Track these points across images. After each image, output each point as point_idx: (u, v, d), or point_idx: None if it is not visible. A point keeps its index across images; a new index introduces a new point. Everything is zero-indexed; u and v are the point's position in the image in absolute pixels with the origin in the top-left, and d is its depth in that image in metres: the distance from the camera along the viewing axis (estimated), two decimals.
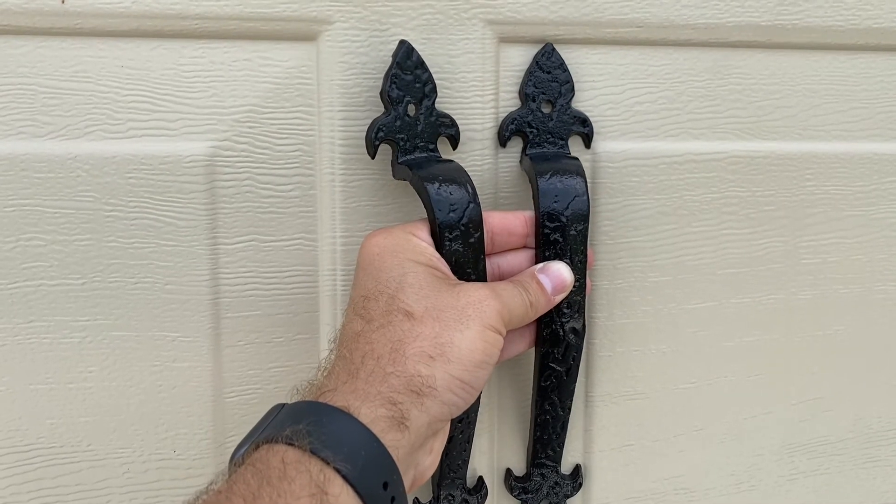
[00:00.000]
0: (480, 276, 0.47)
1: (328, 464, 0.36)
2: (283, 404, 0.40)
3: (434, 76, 0.50)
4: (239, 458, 0.38)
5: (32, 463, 0.52)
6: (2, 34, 0.48)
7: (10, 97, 0.48)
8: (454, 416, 0.42)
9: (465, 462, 0.53)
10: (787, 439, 0.60)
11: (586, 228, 0.50)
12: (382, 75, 0.49)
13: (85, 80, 0.49)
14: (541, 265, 0.48)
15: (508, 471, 0.57)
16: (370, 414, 0.38)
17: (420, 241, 0.45)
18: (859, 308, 0.59)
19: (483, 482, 0.55)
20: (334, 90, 0.51)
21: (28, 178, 0.49)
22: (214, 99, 0.50)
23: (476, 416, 0.52)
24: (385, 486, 0.37)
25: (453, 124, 0.51)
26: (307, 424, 0.37)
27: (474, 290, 0.43)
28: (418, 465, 0.42)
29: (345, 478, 0.36)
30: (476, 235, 0.47)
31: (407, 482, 0.39)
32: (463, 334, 0.41)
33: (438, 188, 0.46)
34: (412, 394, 0.39)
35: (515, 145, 0.53)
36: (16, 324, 0.50)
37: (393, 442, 0.38)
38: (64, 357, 0.51)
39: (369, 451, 0.37)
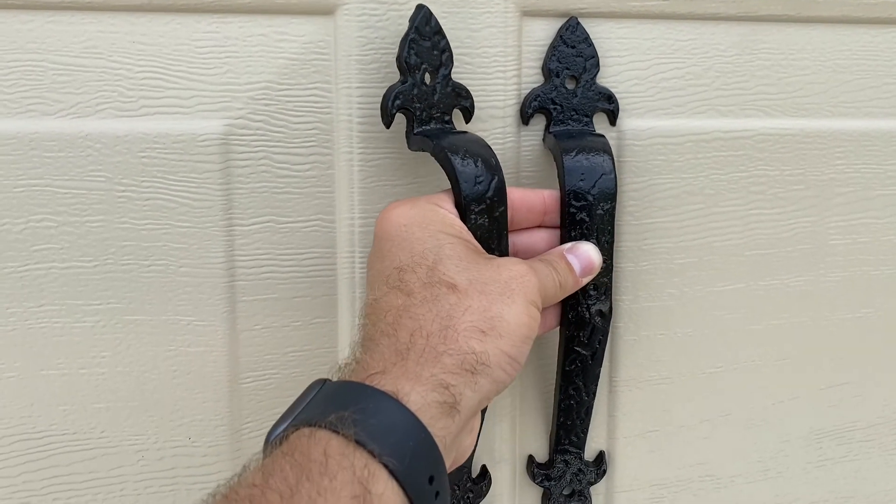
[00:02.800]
0: (503, 252, 0.46)
1: (374, 457, 0.33)
2: (325, 380, 0.38)
3: (455, 50, 0.48)
4: (276, 438, 0.35)
5: (45, 450, 0.50)
6: (10, 9, 0.46)
7: (19, 74, 0.47)
8: (499, 394, 0.40)
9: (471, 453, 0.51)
10: (815, 425, 0.59)
11: (613, 208, 0.48)
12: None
13: (96, 56, 0.47)
14: (569, 245, 0.47)
15: (531, 457, 0.55)
16: (420, 399, 0.36)
17: (448, 212, 0.44)
18: (890, 290, 0.58)
19: (486, 471, 0.54)
20: (352, 66, 0.49)
21: (38, 157, 0.48)
22: (229, 75, 0.49)
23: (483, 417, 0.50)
24: (430, 480, 0.35)
25: (468, 96, 0.49)
26: (353, 411, 0.34)
27: (514, 264, 0.42)
28: (460, 446, 0.40)
29: (391, 473, 0.34)
30: (500, 209, 0.45)
31: (448, 465, 0.37)
32: (511, 308, 0.40)
33: (463, 159, 0.44)
34: (466, 373, 0.37)
35: (538, 123, 0.52)
36: (26, 308, 0.49)
37: (442, 431, 0.36)
38: (76, 342, 0.50)
39: (417, 442, 0.35)
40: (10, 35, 0.47)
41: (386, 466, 0.34)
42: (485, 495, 0.54)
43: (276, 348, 0.52)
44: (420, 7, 0.47)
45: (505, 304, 0.40)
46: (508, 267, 0.42)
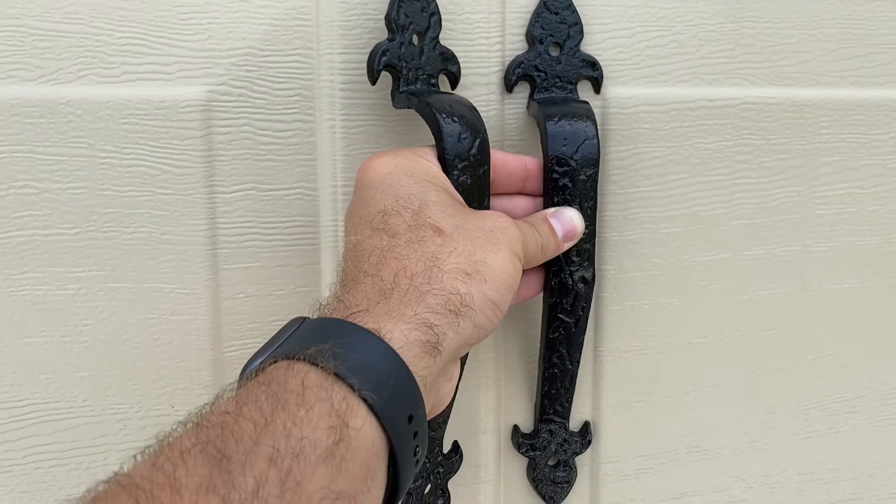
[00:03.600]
0: None
1: (353, 391, 0.33)
2: (305, 318, 0.37)
3: None
4: (251, 372, 0.35)
5: (27, 419, 0.50)
6: None
7: (0, 40, 0.47)
8: (479, 341, 0.40)
9: (444, 421, 0.50)
10: (802, 396, 0.59)
11: (596, 173, 0.48)
12: (384, 14, 0.48)
13: (77, 21, 0.47)
14: (553, 209, 0.47)
15: (515, 427, 0.55)
16: (402, 338, 0.36)
17: (432, 164, 0.43)
18: (877, 261, 0.58)
19: (458, 447, 0.54)
20: (334, 31, 0.49)
21: (19, 123, 0.47)
22: (211, 41, 0.48)
23: (461, 373, 0.49)
24: (410, 419, 0.35)
25: (455, 61, 0.49)
26: (333, 345, 0.34)
27: (498, 216, 0.42)
28: (439, 392, 0.40)
29: (370, 407, 0.33)
30: (484, 168, 0.45)
31: (427, 410, 0.37)
32: (495, 255, 0.39)
33: (449, 116, 0.44)
34: (449, 314, 0.37)
35: (522, 90, 0.52)
36: (8, 275, 0.49)
37: (423, 370, 0.36)
38: (58, 309, 0.49)
39: (398, 379, 0.34)
40: None
41: (365, 401, 0.33)
42: (456, 471, 0.53)
43: (260, 317, 0.52)
44: None
45: (489, 250, 0.40)
46: (493, 218, 0.42)
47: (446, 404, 0.42)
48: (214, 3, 0.48)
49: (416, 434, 0.35)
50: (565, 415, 0.54)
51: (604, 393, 0.56)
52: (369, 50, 0.48)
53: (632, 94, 0.53)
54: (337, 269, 0.41)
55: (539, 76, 0.51)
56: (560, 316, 0.50)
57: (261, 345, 0.50)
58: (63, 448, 0.51)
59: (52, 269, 0.49)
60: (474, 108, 0.46)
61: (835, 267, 0.57)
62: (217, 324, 0.51)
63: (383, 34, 0.48)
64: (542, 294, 0.50)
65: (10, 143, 0.48)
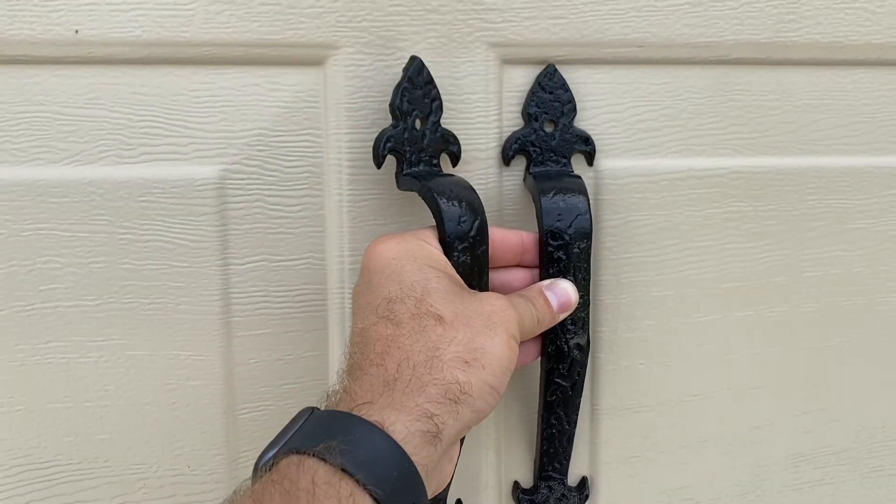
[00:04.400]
0: (484, 288, 0.48)
1: (359, 486, 0.35)
2: (314, 408, 0.40)
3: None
4: (265, 465, 0.37)
5: (51, 479, 0.53)
6: (19, 64, 0.49)
7: (27, 124, 0.50)
8: (479, 423, 0.42)
9: (448, 482, 0.53)
10: (792, 449, 0.61)
11: (589, 246, 0.51)
12: (388, 97, 0.50)
13: (98, 106, 0.50)
14: (548, 282, 0.49)
15: (516, 483, 0.58)
16: (404, 430, 0.38)
17: (433, 248, 0.46)
18: (862, 320, 0.60)
19: (461, 503, 0.56)
20: (341, 113, 0.52)
21: (44, 202, 0.50)
22: (224, 123, 0.51)
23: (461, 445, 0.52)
24: None
25: (456, 142, 0.52)
26: (341, 441, 0.36)
27: (495, 299, 0.44)
28: (441, 473, 0.42)
29: (375, 501, 0.35)
30: (482, 248, 0.48)
31: (430, 492, 0.39)
32: (493, 341, 0.42)
33: (449, 200, 0.47)
34: (449, 402, 0.39)
35: (519, 164, 0.54)
36: (33, 344, 0.52)
37: (425, 459, 0.38)
38: (81, 376, 0.52)
39: (401, 472, 0.37)
40: (19, 87, 0.49)
41: (371, 494, 0.35)
42: None
43: (271, 381, 0.54)
44: (413, 58, 0.50)
45: (487, 336, 0.42)
46: (490, 301, 0.44)
47: (447, 483, 0.44)
48: (227, 87, 0.51)
49: None
50: (563, 471, 0.56)
51: (600, 449, 0.58)
52: (374, 130, 0.51)
53: (624, 166, 0.55)
54: (344, 353, 0.44)
55: (535, 151, 0.54)
56: (557, 380, 0.52)
57: (271, 409, 0.53)
58: None
59: (75, 338, 0.52)
60: (473, 190, 0.48)
61: (822, 326, 0.60)
62: (230, 388, 0.54)
63: (387, 115, 0.51)
64: (539, 359, 0.53)
65: (37, 220, 0.51)
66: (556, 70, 0.53)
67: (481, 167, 0.54)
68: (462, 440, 0.49)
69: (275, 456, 0.37)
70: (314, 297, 0.54)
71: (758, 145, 0.57)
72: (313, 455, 0.36)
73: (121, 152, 0.51)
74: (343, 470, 0.35)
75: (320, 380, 0.55)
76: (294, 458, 0.36)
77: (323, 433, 0.37)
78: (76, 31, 0.49)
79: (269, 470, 0.36)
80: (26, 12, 0.48)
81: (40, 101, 0.50)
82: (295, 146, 0.52)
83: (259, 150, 0.52)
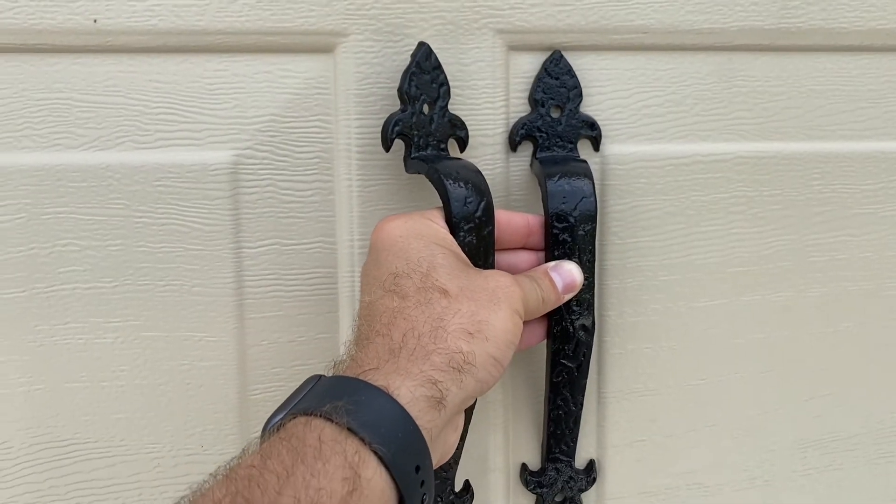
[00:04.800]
0: (489, 269, 0.49)
1: (365, 444, 0.36)
2: (321, 376, 0.41)
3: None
4: (273, 426, 0.38)
5: (70, 457, 0.54)
6: (39, 52, 0.51)
7: (48, 111, 0.51)
8: (483, 394, 0.43)
9: (455, 462, 0.53)
10: (800, 435, 0.61)
11: (594, 229, 0.51)
12: (396, 84, 0.52)
13: (116, 93, 0.52)
14: (553, 263, 0.50)
15: (524, 465, 0.58)
16: (409, 394, 0.39)
17: (440, 227, 0.47)
18: (869, 305, 0.60)
19: (469, 486, 0.57)
20: (351, 99, 0.53)
21: (63, 187, 0.52)
22: (237, 110, 0.53)
23: (468, 421, 0.52)
24: (417, 469, 0.38)
25: (463, 127, 0.53)
26: (347, 402, 0.37)
27: (499, 275, 0.45)
28: (445, 442, 0.43)
29: (380, 459, 0.36)
30: (488, 229, 0.49)
31: (435, 459, 0.40)
32: (496, 314, 0.43)
33: (455, 182, 0.48)
34: (452, 370, 0.40)
35: (526, 149, 0.55)
36: (52, 325, 0.53)
37: (429, 423, 0.39)
38: (98, 357, 0.54)
39: (405, 433, 0.38)
40: (39, 76, 0.51)
41: (375, 453, 0.36)
42: None
43: (283, 362, 0.55)
44: (421, 44, 0.51)
45: (491, 310, 0.43)
46: (495, 278, 0.45)
47: (453, 452, 0.45)
48: (240, 75, 0.52)
49: (422, 483, 0.38)
50: (571, 453, 0.57)
51: (607, 432, 0.59)
52: (382, 116, 0.52)
53: (629, 152, 0.56)
54: (353, 327, 0.45)
55: (541, 136, 0.54)
56: (563, 361, 0.53)
57: (283, 390, 0.54)
58: (101, 485, 0.55)
59: (92, 319, 0.53)
60: (479, 173, 0.49)
61: (829, 311, 0.60)
62: (243, 369, 0.55)
63: (396, 101, 0.52)
64: (545, 341, 0.53)
65: (56, 205, 0.52)
66: (562, 56, 0.54)
67: (488, 152, 0.55)
68: (469, 416, 0.50)
69: (282, 418, 0.38)
70: (325, 280, 0.55)
71: (763, 131, 0.57)
72: (320, 416, 0.37)
73: (137, 138, 0.52)
74: (349, 429, 0.36)
75: (331, 361, 0.55)
76: (301, 419, 0.37)
77: (329, 396, 0.38)
78: (95, 21, 0.51)
79: (277, 430, 0.37)
80: (47, 2, 0.50)
81: (60, 89, 0.51)
82: (306, 132, 0.53)
83: (271, 136, 0.53)
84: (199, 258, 0.54)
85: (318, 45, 0.52)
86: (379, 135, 0.52)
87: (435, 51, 0.52)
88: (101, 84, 0.52)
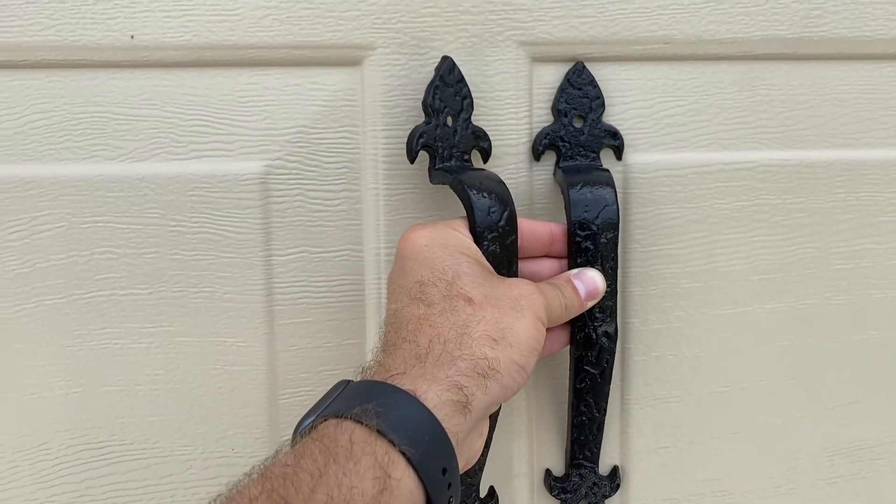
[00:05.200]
0: (513, 277, 0.50)
1: (394, 446, 0.37)
2: (349, 381, 0.42)
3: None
4: (304, 429, 0.39)
5: (106, 458, 0.56)
6: (79, 68, 0.53)
7: (86, 124, 0.53)
8: (507, 400, 0.44)
9: (480, 468, 0.54)
10: (825, 443, 0.61)
11: (616, 236, 0.52)
12: (422, 95, 0.53)
13: (151, 107, 0.54)
14: (576, 270, 0.51)
15: (548, 471, 0.59)
16: (436, 398, 0.40)
17: (464, 236, 0.48)
18: (894, 312, 0.60)
19: (494, 491, 0.57)
20: (377, 111, 0.54)
21: (101, 197, 0.54)
22: (268, 121, 0.54)
23: (493, 427, 0.53)
24: (444, 471, 0.39)
25: (487, 138, 0.54)
26: (376, 405, 0.38)
27: (522, 284, 0.46)
28: (471, 447, 0.44)
29: (408, 461, 0.37)
30: (511, 238, 0.49)
31: (461, 464, 0.41)
32: (520, 321, 0.44)
33: (479, 192, 0.49)
34: (477, 376, 0.41)
35: (549, 158, 0.56)
36: (90, 330, 0.55)
37: (455, 427, 0.40)
38: (133, 361, 0.55)
39: (432, 436, 0.39)
40: (79, 90, 0.53)
41: (404, 454, 0.37)
42: None
43: (311, 367, 0.57)
44: (445, 58, 0.52)
45: (515, 317, 0.44)
46: (518, 285, 0.46)
47: (478, 458, 0.46)
48: (271, 88, 0.54)
49: (449, 485, 0.39)
50: (595, 459, 0.57)
51: (631, 439, 0.59)
52: (408, 127, 0.54)
53: (652, 160, 0.57)
54: (379, 333, 0.46)
55: (564, 146, 0.55)
56: (586, 368, 0.54)
57: (311, 394, 0.56)
58: (136, 486, 0.56)
59: (128, 324, 0.55)
60: (503, 183, 0.50)
61: (854, 318, 0.60)
62: (273, 374, 0.56)
63: (421, 112, 0.53)
64: (569, 347, 0.54)
65: (94, 214, 0.54)
66: (584, 67, 0.55)
67: (512, 162, 0.56)
68: (493, 423, 0.51)
69: (314, 421, 0.39)
70: (352, 287, 0.56)
71: (786, 139, 0.58)
72: (350, 418, 0.38)
73: (172, 149, 0.54)
74: (378, 431, 0.38)
75: (358, 366, 0.56)
76: (332, 421, 0.38)
77: (359, 399, 0.39)
78: (132, 37, 0.53)
79: (309, 432, 0.38)
80: (87, 20, 0.52)
81: (98, 103, 0.53)
82: (334, 143, 0.55)
83: (300, 147, 0.55)
84: (231, 266, 0.55)
85: (346, 59, 0.54)
86: (404, 145, 0.53)
87: (459, 63, 0.53)
88: (137, 98, 0.54)
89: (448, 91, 0.52)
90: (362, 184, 0.55)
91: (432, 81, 0.52)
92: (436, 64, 0.53)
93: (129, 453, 0.56)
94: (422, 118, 0.53)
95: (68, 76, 0.53)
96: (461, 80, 0.52)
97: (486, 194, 0.49)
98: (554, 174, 0.56)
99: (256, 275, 0.55)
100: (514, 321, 0.43)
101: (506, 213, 0.49)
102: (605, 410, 0.55)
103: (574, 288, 0.49)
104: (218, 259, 0.55)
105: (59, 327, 0.55)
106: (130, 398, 0.56)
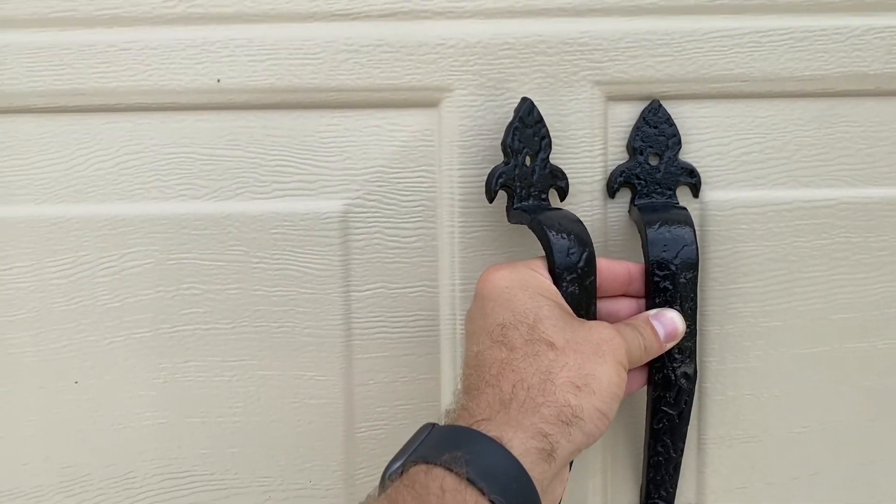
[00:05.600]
0: (591, 318, 0.50)
1: (483, 494, 0.38)
2: (434, 424, 0.43)
3: None
4: (394, 473, 0.40)
5: (188, 488, 0.58)
6: (168, 110, 0.55)
7: (173, 165, 0.55)
8: (589, 447, 0.44)
9: None
10: None
11: (696, 276, 0.52)
12: (498, 135, 0.53)
13: (236, 147, 0.55)
14: (654, 311, 0.51)
15: None
16: (521, 446, 0.40)
17: (544, 278, 0.48)
18: None
19: None
20: (454, 150, 0.55)
21: (187, 234, 0.56)
22: (348, 161, 0.56)
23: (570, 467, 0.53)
24: None
25: (564, 177, 0.54)
26: (464, 452, 0.39)
27: (604, 328, 0.46)
28: (553, 493, 0.44)
29: None
30: (590, 279, 0.50)
31: None
32: (602, 368, 0.44)
33: (558, 233, 0.49)
34: (561, 424, 0.42)
35: (624, 196, 0.56)
36: (175, 363, 0.57)
37: (540, 475, 0.40)
38: (215, 394, 0.57)
39: (520, 485, 0.39)
40: (167, 132, 0.55)
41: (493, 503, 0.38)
42: None
43: (387, 401, 0.58)
44: (524, 99, 0.53)
45: (597, 363, 0.44)
46: (599, 330, 0.46)
47: (559, 503, 0.46)
48: (351, 128, 0.55)
49: None
50: (670, 499, 0.57)
51: (708, 478, 0.59)
52: (484, 166, 0.54)
53: (729, 198, 0.56)
54: (460, 376, 0.47)
55: (639, 183, 0.55)
56: (664, 408, 0.53)
57: (387, 428, 0.56)
58: None
59: (211, 358, 0.57)
60: (581, 223, 0.51)
61: None
62: (350, 407, 0.57)
63: (497, 151, 0.54)
64: (646, 387, 0.54)
65: (180, 251, 0.56)
66: (660, 105, 0.55)
67: (587, 199, 0.56)
68: (570, 464, 0.51)
69: (403, 465, 0.40)
70: (428, 323, 0.57)
71: (866, 176, 0.57)
72: (439, 465, 0.39)
73: (255, 188, 0.56)
74: (468, 479, 0.38)
75: (433, 401, 0.57)
76: (422, 467, 0.39)
77: (446, 445, 0.40)
78: (218, 80, 0.54)
79: (399, 477, 0.39)
80: (175, 65, 0.54)
81: (185, 143, 0.55)
82: (411, 181, 0.56)
83: (378, 186, 0.56)
84: (311, 301, 0.56)
85: (424, 100, 0.55)
86: (480, 184, 0.54)
87: (536, 102, 0.53)
88: (222, 139, 0.55)
89: (527, 132, 0.52)
90: (438, 222, 0.56)
91: (511, 122, 0.52)
92: (511, 104, 0.54)
93: (211, 483, 0.58)
94: (498, 157, 0.54)
95: (157, 118, 0.55)
96: (540, 120, 0.53)
97: (565, 235, 0.49)
98: (629, 211, 0.56)
99: (335, 310, 0.57)
100: (597, 367, 0.44)
101: (585, 255, 0.49)
102: (682, 451, 0.55)
103: (653, 329, 0.49)
104: (298, 294, 0.56)
105: (146, 360, 0.57)
106: (212, 429, 0.57)
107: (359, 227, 0.56)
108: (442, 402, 0.57)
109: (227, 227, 0.56)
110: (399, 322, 0.57)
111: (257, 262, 0.56)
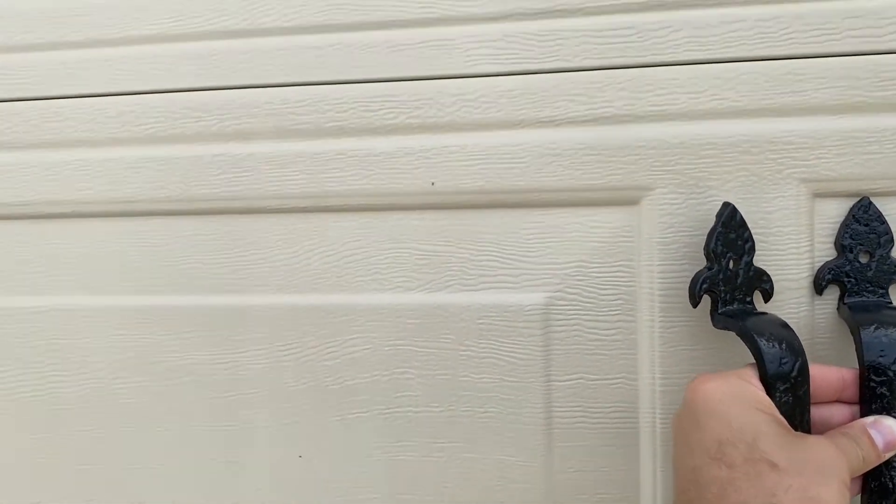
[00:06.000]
0: (805, 429, 0.50)
1: None
2: None
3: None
4: None
5: None
6: (387, 210, 0.61)
7: (391, 259, 0.61)
8: None
9: None
10: None
11: None
12: (699, 233, 0.55)
13: (447, 243, 0.60)
14: (871, 419, 0.49)
15: None
16: None
17: (757, 389, 0.48)
18: None
19: None
20: (653, 247, 0.57)
21: (402, 323, 0.61)
22: (550, 256, 0.59)
23: None
24: None
25: (769, 280, 0.54)
26: None
27: (825, 446, 0.45)
28: None
29: None
30: (804, 388, 0.49)
31: None
32: (828, 490, 0.43)
33: (768, 341, 0.49)
34: None
35: (832, 293, 0.55)
36: (388, 443, 0.62)
37: None
38: (428, 475, 0.61)
39: None
40: (386, 229, 0.61)
41: None
42: None
43: (587, 490, 0.59)
44: (726, 204, 0.54)
45: (822, 485, 0.43)
46: (820, 448, 0.45)
47: None
48: (553, 225, 0.59)
49: None
50: None
51: None
52: (684, 262, 0.56)
53: None
54: (675, 490, 0.47)
55: (849, 281, 0.54)
56: None
57: None
58: None
59: (420, 440, 0.61)
60: (790, 329, 0.50)
61: None
62: (551, 494, 0.59)
63: (697, 249, 0.55)
64: (859, 496, 0.52)
65: (395, 338, 0.61)
66: (871, 203, 0.54)
67: (792, 297, 0.56)
68: None
69: None
70: (626, 415, 0.59)
71: None
72: None
73: (463, 281, 0.60)
74: None
75: (630, 494, 0.58)
76: None
77: None
78: (433, 183, 0.60)
79: None
80: (395, 170, 0.60)
81: (402, 240, 0.61)
82: (610, 276, 0.58)
83: (579, 280, 0.59)
84: (514, 389, 0.60)
85: (625, 199, 0.57)
86: (679, 279, 0.55)
87: (737, 201, 0.54)
88: (435, 236, 0.60)
89: (730, 237, 0.53)
90: (637, 315, 0.58)
91: (714, 227, 0.53)
92: (713, 201, 0.55)
93: None
94: (698, 254, 0.55)
95: (378, 217, 0.61)
96: (743, 224, 0.53)
97: (776, 343, 0.49)
98: (838, 309, 0.55)
99: (537, 398, 0.59)
100: (822, 490, 0.43)
101: (798, 364, 0.49)
102: None
103: (871, 439, 0.48)
104: (502, 382, 0.60)
105: (362, 440, 0.62)
106: None
107: (559, 318, 0.59)
108: (641, 497, 0.58)
109: (438, 316, 0.60)
110: (598, 412, 0.59)
111: (465, 350, 0.60)
